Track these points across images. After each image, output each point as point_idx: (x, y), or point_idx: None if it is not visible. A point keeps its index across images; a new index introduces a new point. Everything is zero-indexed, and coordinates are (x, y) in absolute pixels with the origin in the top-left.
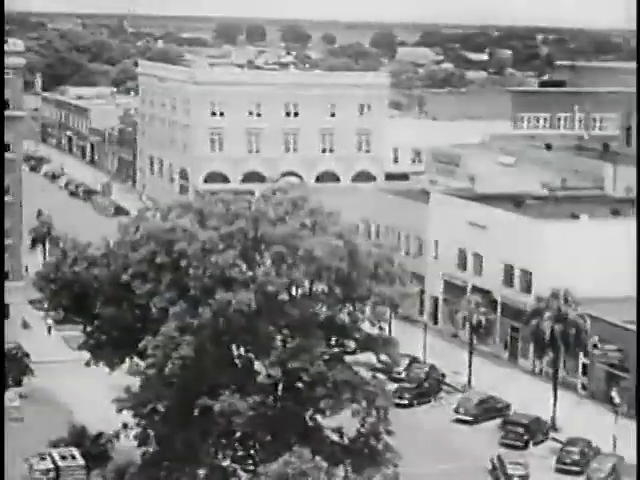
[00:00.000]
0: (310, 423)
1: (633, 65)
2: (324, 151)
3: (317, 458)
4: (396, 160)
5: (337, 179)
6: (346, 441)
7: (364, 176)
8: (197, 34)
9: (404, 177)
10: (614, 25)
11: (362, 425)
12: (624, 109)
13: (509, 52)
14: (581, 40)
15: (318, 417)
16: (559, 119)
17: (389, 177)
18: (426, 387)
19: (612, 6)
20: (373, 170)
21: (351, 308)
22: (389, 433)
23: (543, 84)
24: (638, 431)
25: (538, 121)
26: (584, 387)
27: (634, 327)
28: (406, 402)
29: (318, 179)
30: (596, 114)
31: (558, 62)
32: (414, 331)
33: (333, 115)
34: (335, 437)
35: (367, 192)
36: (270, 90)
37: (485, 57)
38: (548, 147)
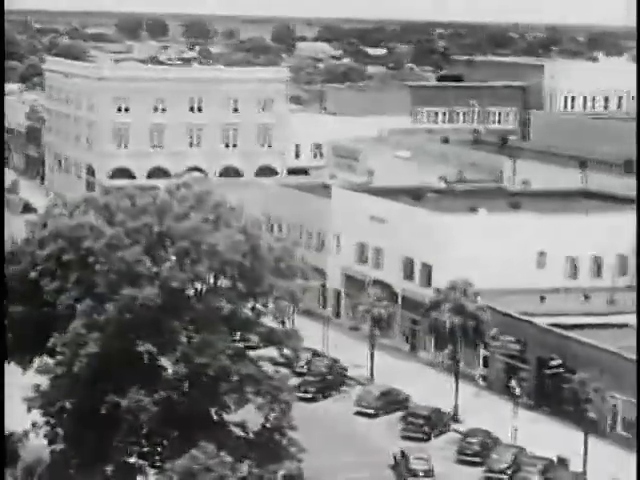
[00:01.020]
0: (215, 418)
1: (528, 60)
2: (227, 146)
3: (222, 453)
4: (297, 155)
5: (240, 174)
6: (250, 436)
7: (266, 171)
8: (100, 29)
9: (305, 172)
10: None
11: (266, 420)
12: (520, 103)
13: (407, 47)
14: (477, 35)
15: (223, 412)
16: (457, 113)
17: (291, 172)
18: (329, 380)
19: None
20: (275, 165)
21: (254, 303)
22: (292, 427)
23: (441, 79)
24: (638, 431)
25: (436, 115)
26: (484, 378)
27: (532, 319)
28: (310, 396)
29: (221, 174)
30: (493, 108)
31: (455, 57)
32: (316, 325)
33: (236, 110)
34: (239, 432)
35: (269, 187)
36: (174, 86)
37: (383, 52)
38: (445, 141)
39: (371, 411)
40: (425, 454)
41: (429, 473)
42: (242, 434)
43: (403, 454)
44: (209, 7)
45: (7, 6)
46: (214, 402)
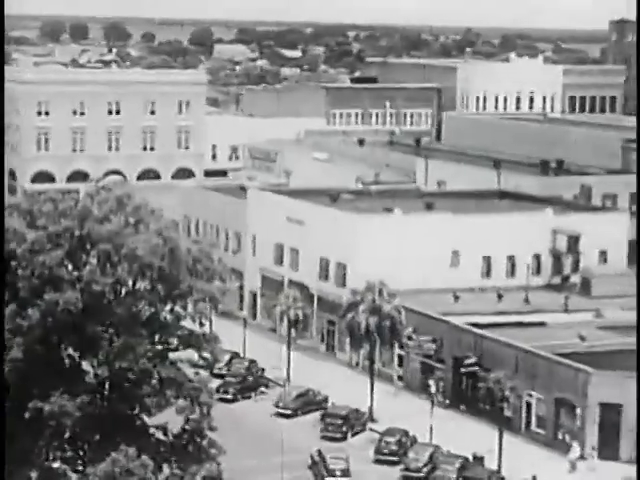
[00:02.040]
0: (136, 421)
1: (442, 61)
2: (145, 149)
3: (143, 456)
4: (214, 157)
5: (158, 176)
6: (171, 438)
7: (184, 173)
8: (24, 33)
9: (223, 174)
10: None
11: (186, 422)
12: (434, 104)
13: (322, 49)
14: (391, 37)
15: (144, 415)
16: (371, 115)
17: (208, 174)
18: (248, 382)
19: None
20: (192, 167)
21: (173, 305)
22: (212, 429)
23: (355, 80)
24: (638, 430)
25: (350, 117)
26: (400, 378)
27: (447, 318)
28: (230, 397)
29: (140, 177)
30: (407, 110)
31: (369, 59)
32: (235, 327)
33: (153, 113)
34: (160, 435)
35: (187, 189)
36: (93, 88)
37: (299, 54)
38: (361, 142)
39: (289, 412)
40: (342, 453)
41: (346, 472)
42: (163, 437)
43: (320, 453)
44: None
45: None
46: (135, 405)
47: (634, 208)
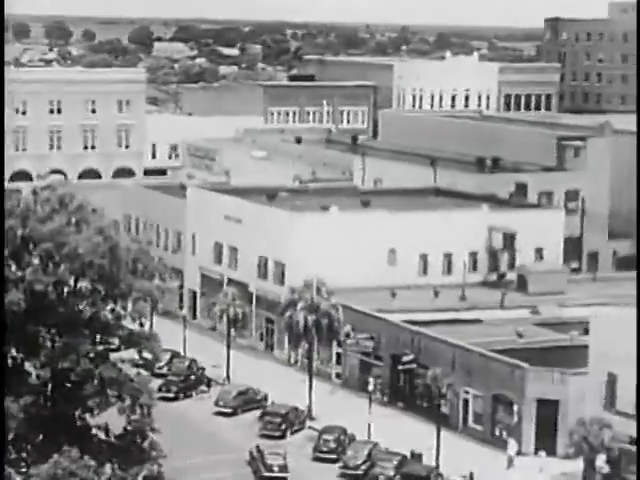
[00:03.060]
0: (79, 422)
1: (378, 59)
2: (86, 148)
3: (85, 457)
4: (154, 155)
5: (99, 175)
6: (113, 439)
7: (124, 172)
8: None
9: (162, 172)
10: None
11: (128, 422)
12: (371, 102)
13: (260, 47)
14: (328, 35)
15: (87, 416)
16: (308, 113)
17: (148, 172)
18: (189, 381)
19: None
20: (133, 166)
21: (114, 305)
22: (153, 430)
23: (292, 78)
24: (638, 429)
25: (288, 115)
26: (338, 376)
27: (385, 316)
28: (172, 395)
29: (81, 176)
30: (344, 107)
31: (307, 57)
32: (175, 326)
33: (94, 112)
34: (102, 435)
35: (127, 188)
36: (35, 87)
37: (237, 52)
38: (298, 141)
39: (229, 410)
40: (280, 449)
41: (284, 468)
42: (105, 437)
43: (259, 449)
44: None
45: None
46: (77, 406)
47: (570, 205)
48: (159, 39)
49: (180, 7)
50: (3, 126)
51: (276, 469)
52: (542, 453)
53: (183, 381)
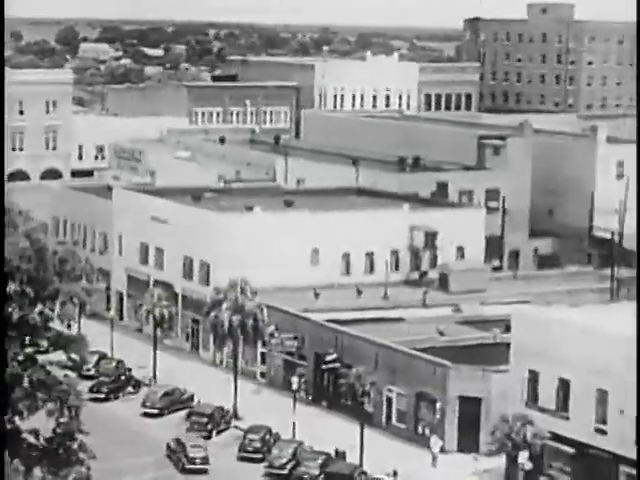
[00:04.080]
0: (8, 426)
1: (300, 60)
2: (14, 149)
3: (15, 461)
4: (81, 157)
5: (27, 177)
6: (42, 442)
7: (52, 173)
8: None
9: (89, 173)
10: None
11: (57, 425)
12: (293, 102)
13: (183, 47)
14: (251, 35)
15: (16, 419)
16: (232, 113)
17: (75, 174)
18: (116, 382)
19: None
20: (60, 167)
21: (42, 307)
22: (82, 432)
23: (215, 79)
24: (638, 429)
25: (212, 115)
26: (263, 375)
27: (308, 315)
28: (103, 396)
29: (9, 178)
30: (266, 108)
31: (230, 57)
32: (102, 327)
33: (22, 113)
34: (32, 439)
35: (55, 189)
36: None
37: (161, 53)
38: (222, 141)
39: (156, 411)
40: (200, 441)
41: (206, 460)
42: (34, 441)
43: (179, 442)
44: None
45: None
46: (7, 410)
47: (491, 204)
48: (85, 40)
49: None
50: (3, 126)
51: (198, 461)
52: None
53: (113, 382)
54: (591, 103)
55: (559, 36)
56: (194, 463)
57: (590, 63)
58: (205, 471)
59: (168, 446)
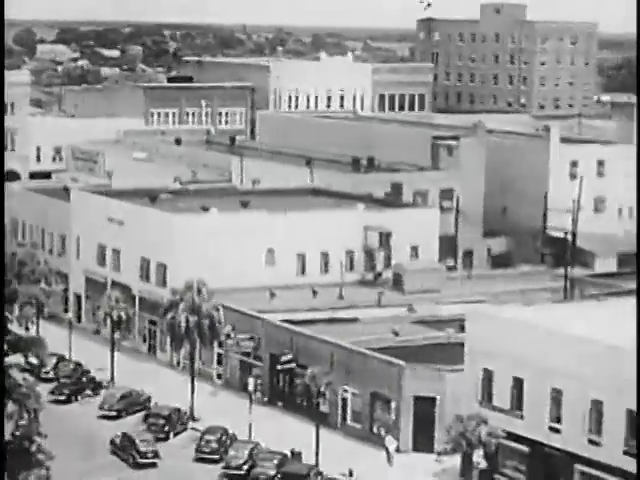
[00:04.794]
0: None
1: (255, 60)
2: None
3: None
4: (39, 158)
5: None
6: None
7: (10, 175)
8: None
9: (47, 175)
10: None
11: (16, 428)
12: (248, 103)
13: (140, 48)
14: (206, 36)
15: None
16: (188, 114)
17: (33, 176)
18: (75, 385)
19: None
20: (18, 169)
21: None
22: (40, 434)
23: (171, 80)
24: (638, 429)
25: (168, 116)
26: (219, 376)
27: (264, 316)
28: (64, 398)
29: None
30: (222, 109)
31: (186, 58)
32: (61, 330)
33: None
34: None
35: (13, 192)
36: None
37: (118, 54)
38: (178, 142)
39: (114, 413)
40: (147, 435)
41: (156, 454)
42: None
43: (128, 437)
44: None
45: None
46: None
47: (445, 204)
48: (42, 41)
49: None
50: (3, 126)
51: (150, 455)
52: (419, 450)
53: (74, 384)
54: (544, 103)
55: (512, 36)
56: (147, 457)
57: (543, 63)
58: (155, 465)
59: (112, 442)
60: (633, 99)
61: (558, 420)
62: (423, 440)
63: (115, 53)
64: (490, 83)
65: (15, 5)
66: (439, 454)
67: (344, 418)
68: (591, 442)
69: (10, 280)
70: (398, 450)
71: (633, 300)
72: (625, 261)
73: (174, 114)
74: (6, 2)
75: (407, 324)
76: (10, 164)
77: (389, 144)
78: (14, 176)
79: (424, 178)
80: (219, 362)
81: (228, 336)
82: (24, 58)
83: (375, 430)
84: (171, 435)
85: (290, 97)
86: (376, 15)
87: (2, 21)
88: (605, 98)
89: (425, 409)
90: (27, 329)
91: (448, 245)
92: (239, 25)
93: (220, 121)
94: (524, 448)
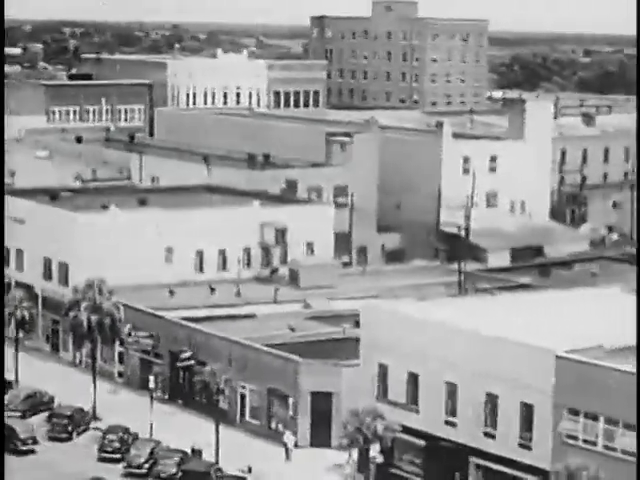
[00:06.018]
0: None
1: (153, 57)
2: None
3: None
4: None
5: None
6: None
7: None
8: None
9: None
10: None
11: None
12: (147, 100)
13: (40, 46)
14: (105, 33)
15: None
16: (88, 112)
17: None
18: None
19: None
20: None
21: None
22: None
23: (72, 77)
24: (638, 428)
25: (69, 114)
26: (120, 375)
27: (164, 313)
28: None
29: None
30: (121, 106)
31: (85, 55)
32: None
33: None
34: None
35: None
36: None
37: (19, 51)
38: (78, 140)
39: (19, 414)
40: (28, 424)
41: (35, 440)
42: None
43: (9, 427)
44: None
45: None
46: None
47: (339, 200)
48: None
49: None
50: (3, 126)
51: (30, 441)
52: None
53: None
54: (436, 100)
55: (404, 33)
56: (27, 444)
57: (435, 60)
58: (33, 451)
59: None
60: (523, 95)
61: (453, 414)
62: (321, 435)
63: (16, 51)
64: (383, 80)
65: None
66: (350, 456)
67: (243, 414)
68: (486, 435)
69: None
70: (296, 445)
71: (526, 294)
72: (517, 256)
73: (75, 112)
74: None
75: (303, 320)
76: None
77: (284, 141)
78: None
79: (318, 174)
80: (120, 360)
81: (129, 334)
82: None
83: (273, 426)
84: (74, 435)
85: (188, 94)
86: (268, 12)
87: (2, 21)
88: (496, 94)
89: (322, 404)
90: None
91: (343, 241)
92: (136, 23)
93: (120, 118)
94: (420, 442)
